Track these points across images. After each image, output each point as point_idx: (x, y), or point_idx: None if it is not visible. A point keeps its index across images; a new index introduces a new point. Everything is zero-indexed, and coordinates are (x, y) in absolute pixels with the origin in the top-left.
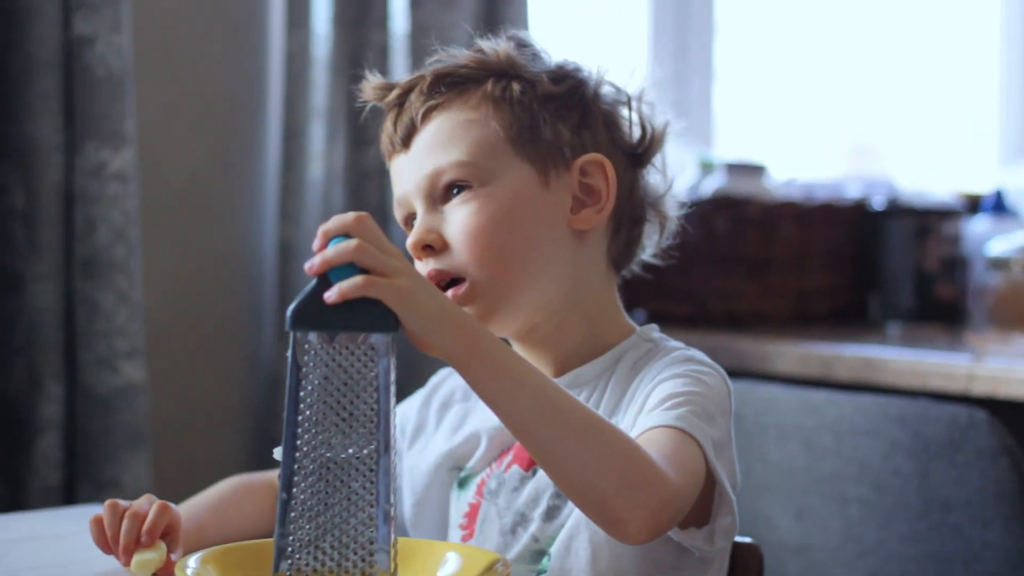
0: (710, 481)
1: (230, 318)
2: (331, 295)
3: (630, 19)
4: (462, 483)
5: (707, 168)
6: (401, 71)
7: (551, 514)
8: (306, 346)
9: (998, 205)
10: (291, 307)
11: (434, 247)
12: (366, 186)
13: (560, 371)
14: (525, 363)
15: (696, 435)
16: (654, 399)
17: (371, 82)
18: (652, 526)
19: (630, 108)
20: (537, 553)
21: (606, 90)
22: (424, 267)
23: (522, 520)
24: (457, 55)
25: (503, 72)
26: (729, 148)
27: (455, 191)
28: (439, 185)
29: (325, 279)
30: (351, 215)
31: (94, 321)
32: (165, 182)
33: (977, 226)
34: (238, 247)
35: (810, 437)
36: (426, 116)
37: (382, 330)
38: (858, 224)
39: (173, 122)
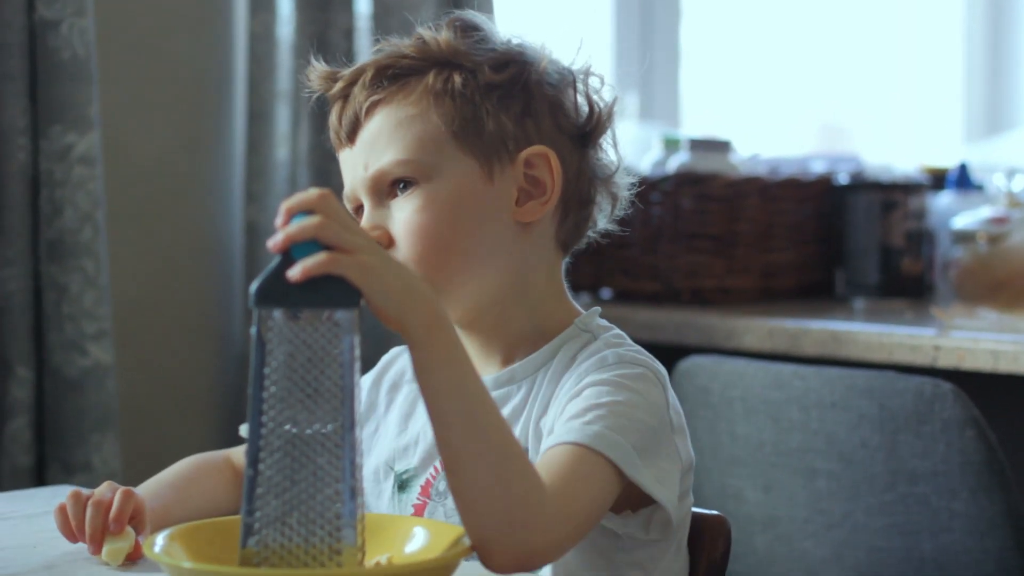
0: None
1: (198, 300)
2: (294, 272)
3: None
4: (403, 486)
5: (671, 145)
6: (366, 52)
7: None
8: (270, 323)
9: (962, 179)
10: (255, 284)
11: (381, 243)
12: (331, 168)
13: (504, 361)
14: (471, 366)
15: (609, 453)
16: (577, 405)
17: (316, 70)
18: (514, 568)
19: (575, 89)
20: None
21: (550, 72)
22: None
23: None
24: (399, 44)
25: (445, 62)
26: (695, 127)
27: (400, 186)
28: (384, 182)
29: (288, 256)
30: (314, 192)
31: (62, 304)
32: (131, 165)
33: (942, 200)
34: (205, 229)
35: (777, 411)
36: (369, 111)
37: (345, 306)
38: (823, 199)
39: (138, 105)
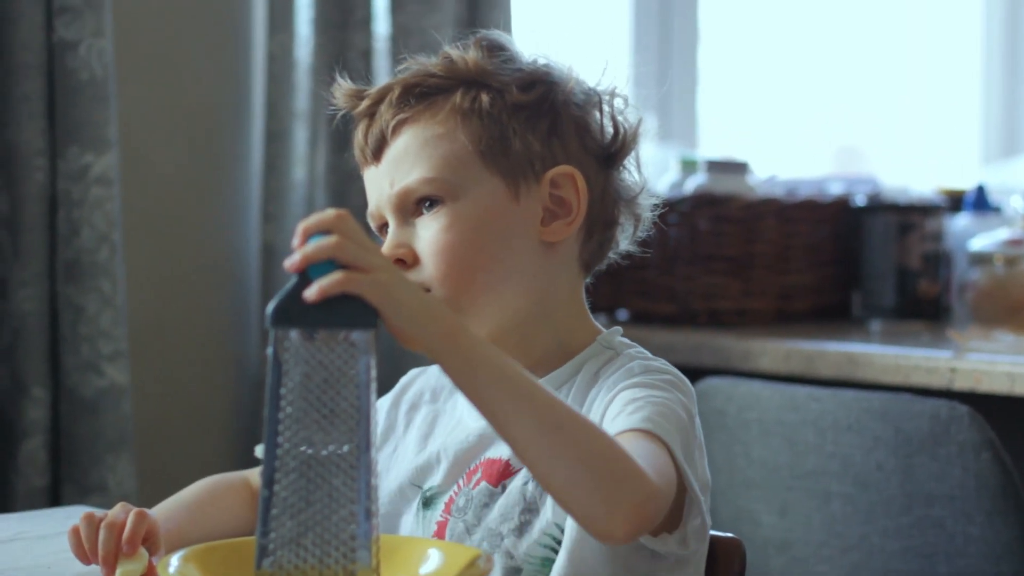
0: (680, 484)
1: (214, 320)
2: (311, 292)
3: (613, 20)
4: (427, 503)
5: (689, 167)
6: (384, 73)
7: (523, 529)
8: (286, 343)
9: (979, 201)
10: (271, 304)
11: (405, 261)
12: (349, 188)
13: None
14: (504, 358)
15: (664, 437)
16: (616, 407)
17: (342, 88)
18: (635, 522)
19: (600, 110)
20: (513, 570)
21: (576, 92)
22: None
23: (493, 536)
24: (426, 63)
25: (472, 81)
26: (713, 149)
27: (426, 204)
28: (410, 200)
29: (305, 276)
30: (330, 212)
31: (78, 325)
32: (148, 185)
33: (959, 222)
34: (222, 250)
35: (793, 433)
36: (396, 129)
37: (362, 326)
38: (840, 221)
39: (156, 126)
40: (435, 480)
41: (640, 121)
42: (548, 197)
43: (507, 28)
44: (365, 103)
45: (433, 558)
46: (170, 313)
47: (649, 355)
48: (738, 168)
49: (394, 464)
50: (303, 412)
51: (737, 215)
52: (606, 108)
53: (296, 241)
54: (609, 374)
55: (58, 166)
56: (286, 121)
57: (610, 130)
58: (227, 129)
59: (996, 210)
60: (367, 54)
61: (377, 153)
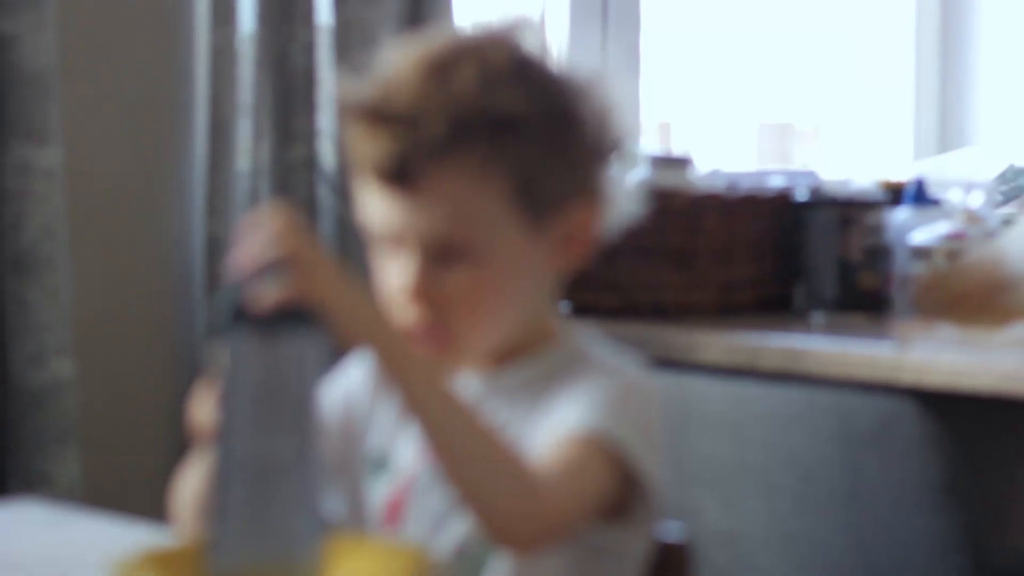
0: (626, 478)
1: (159, 313)
2: (255, 299)
3: (552, 12)
4: (379, 468)
5: (631, 161)
6: (326, 67)
7: None
8: (233, 345)
9: (919, 195)
10: (217, 305)
11: (433, 305)
12: (293, 181)
13: (494, 364)
14: (443, 376)
15: (613, 436)
16: (575, 399)
17: (357, 94)
18: (532, 545)
19: (607, 127)
20: (460, 551)
21: (591, 116)
22: (410, 314)
23: (445, 516)
24: (456, 98)
25: (508, 125)
26: (652, 141)
27: (452, 251)
28: (439, 242)
29: (251, 276)
30: (274, 211)
31: (23, 318)
32: (92, 179)
33: (899, 216)
34: (166, 243)
35: (737, 427)
36: (432, 170)
37: (307, 329)
38: (781, 215)
39: (99, 119)
40: (392, 449)
41: (626, 118)
42: (563, 230)
43: (449, 22)
44: (389, 132)
45: (380, 556)
46: (115, 306)
47: (616, 353)
48: (681, 163)
49: (371, 431)
50: (250, 415)
51: (680, 209)
52: (609, 118)
53: (241, 241)
54: (576, 368)
55: (1, 160)
56: (229, 114)
57: (612, 140)
58: (171, 122)
59: (936, 203)
60: (310, 48)
61: (399, 181)
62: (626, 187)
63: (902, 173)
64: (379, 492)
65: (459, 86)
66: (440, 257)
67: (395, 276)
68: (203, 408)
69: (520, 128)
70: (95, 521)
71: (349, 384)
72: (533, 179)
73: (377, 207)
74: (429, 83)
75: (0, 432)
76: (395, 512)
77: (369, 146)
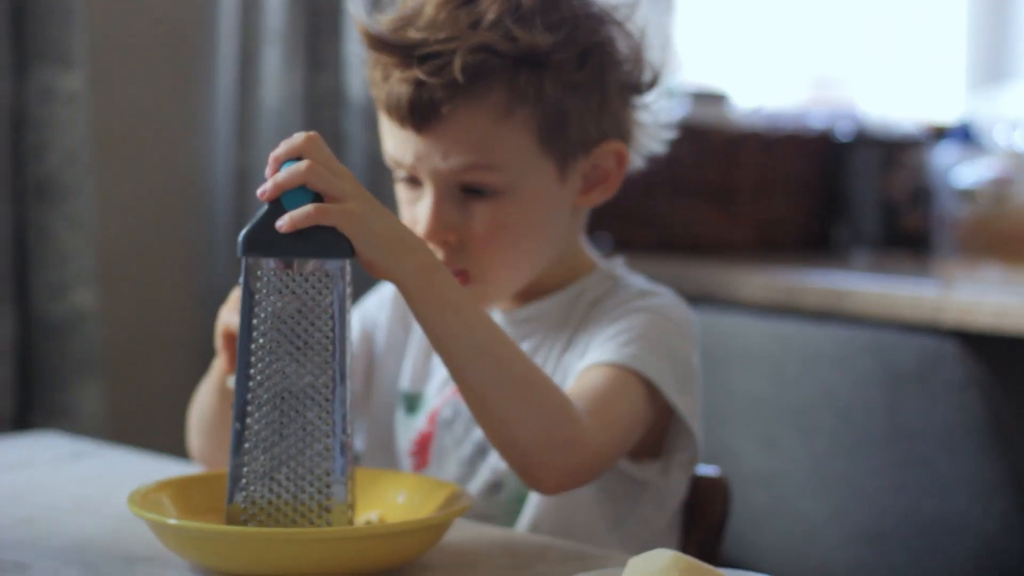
0: (666, 414)
1: (185, 244)
2: (282, 224)
3: None
4: (411, 407)
5: (669, 96)
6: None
7: None
8: (259, 273)
9: (964, 135)
10: (243, 233)
11: (448, 244)
12: (322, 111)
13: (523, 301)
14: (474, 305)
15: (646, 371)
16: (607, 333)
17: (377, 32)
18: (565, 485)
19: (640, 62)
20: (495, 485)
21: (622, 51)
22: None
23: (480, 452)
24: (482, 33)
25: (533, 61)
26: (690, 76)
27: (475, 187)
28: (459, 180)
29: (278, 204)
30: (300, 136)
31: (45, 247)
32: (117, 105)
33: (943, 156)
34: (193, 172)
35: (777, 367)
36: (452, 104)
37: (336, 256)
38: (823, 155)
39: (125, 43)
40: (424, 385)
41: (668, 51)
42: (590, 168)
43: None
44: (413, 70)
45: (410, 493)
46: (140, 236)
47: (650, 285)
48: (718, 99)
49: (401, 370)
50: (276, 343)
51: (718, 147)
52: (644, 53)
53: (268, 169)
54: (607, 302)
55: (25, 85)
56: (259, 42)
57: (647, 76)
58: (199, 50)
59: (980, 144)
60: None
61: (423, 122)
62: (658, 114)
63: (951, 109)
64: (410, 431)
65: (483, 19)
66: (461, 195)
67: (415, 212)
68: (230, 319)
69: (546, 63)
70: (118, 453)
71: (376, 315)
72: (562, 115)
73: (399, 144)
74: (450, 15)
75: (22, 364)
76: (423, 450)
77: (390, 81)
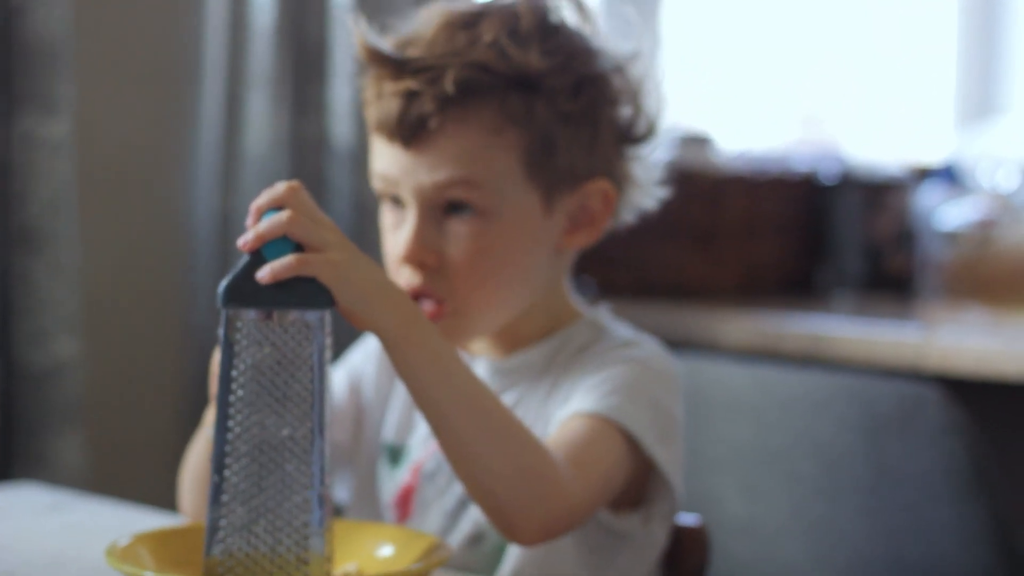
0: (647, 465)
1: (168, 292)
2: (263, 274)
3: None
4: (395, 458)
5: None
6: (344, 38)
7: None
8: (238, 324)
9: (948, 176)
10: (223, 284)
11: (427, 266)
12: (307, 157)
13: (507, 351)
14: (454, 357)
15: (626, 423)
16: (590, 382)
17: (373, 48)
18: (543, 537)
19: (636, 105)
20: (477, 537)
21: (617, 89)
22: (406, 275)
23: (462, 504)
24: (478, 51)
25: (527, 82)
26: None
27: (457, 207)
28: (442, 197)
29: (259, 255)
30: (282, 186)
31: (28, 295)
32: (102, 152)
33: (927, 198)
34: (177, 219)
35: (758, 412)
36: (441, 122)
37: (316, 306)
38: (807, 197)
39: (110, 90)
40: (408, 437)
41: (663, 101)
42: (577, 207)
43: None
44: (405, 83)
45: (388, 546)
46: (123, 284)
47: (635, 335)
48: (703, 143)
49: (386, 417)
50: (255, 395)
51: (703, 191)
52: (641, 100)
53: (249, 219)
54: (591, 351)
55: (10, 132)
56: (244, 86)
57: (641, 126)
58: (184, 95)
59: (964, 186)
60: (325, 17)
61: (412, 139)
62: (653, 170)
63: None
64: (393, 483)
65: (479, 39)
66: (443, 218)
67: (396, 238)
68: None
69: (538, 87)
70: (98, 505)
71: (361, 366)
72: (551, 144)
73: (386, 161)
74: (449, 36)
75: (4, 413)
76: (406, 501)
77: (382, 97)
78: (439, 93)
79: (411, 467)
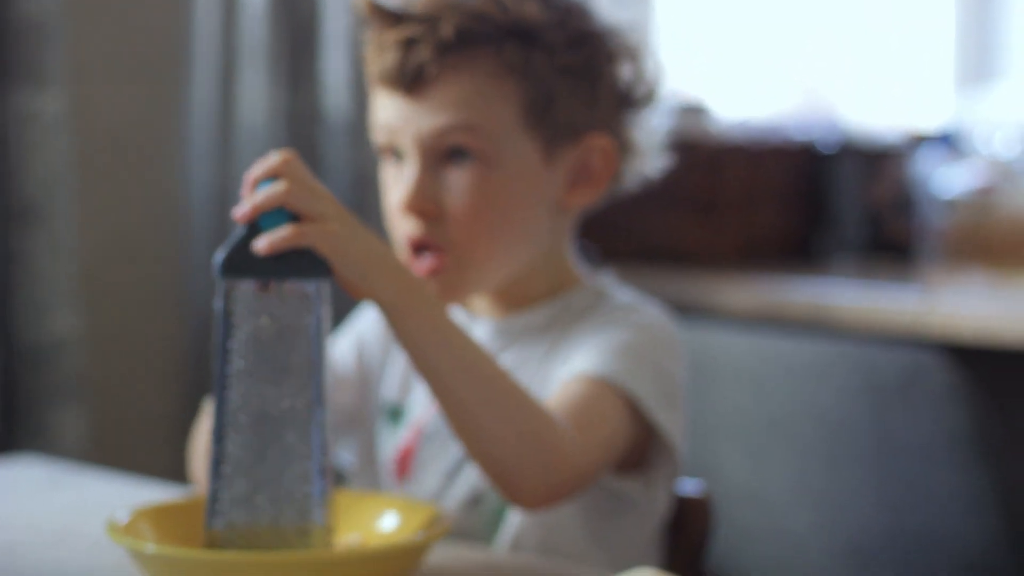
0: (649, 430)
1: (166, 265)
2: (261, 245)
3: None
4: (395, 418)
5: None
6: (337, 11)
7: None
8: (236, 295)
9: (947, 142)
10: (219, 254)
11: (427, 215)
12: (301, 129)
13: (509, 312)
14: (454, 324)
15: (629, 387)
16: (592, 344)
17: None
18: (547, 502)
19: (635, 63)
20: (475, 499)
21: (615, 47)
22: (407, 226)
23: (461, 464)
24: (476, 2)
25: (523, 34)
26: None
27: (459, 155)
28: (443, 145)
29: (255, 225)
30: (276, 156)
31: (26, 271)
32: (97, 127)
33: (926, 164)
34: (173, 191)
35: (761, 380)
36: (440, 69)
37: (314, 277)
38: (806, 165)
39: (104, 65)
40: (408, 397)
41: (660, 67)
42: (576, 163)
43: None
44: (406, 30)
45: (391, 515)
46: (120, 259)
47: (639, 300)
48: (701, 112)
49: (384, 377)
50: (254, 366)
51: (702, 161)
52: (641, 63)
53: (244, 190)
54: (594, 314)
55: (5, 108)
56: (238, 60)
57: (641, 89)
58: (177, 68)
59: (963, 152)
60: None
61: (413, 87)
62: (654, 136)
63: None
64: (392, 443)
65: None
66: (444, 167)
67: (397, 191)
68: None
69: (536, 38)
70: (100, 479)
71: (364, 330)
72: (549, 96)
73: (387, 112)
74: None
75: (4, 389)
76: (405, 462)
77: (383, 48)
78: (438, 40)
79: (411, 426)
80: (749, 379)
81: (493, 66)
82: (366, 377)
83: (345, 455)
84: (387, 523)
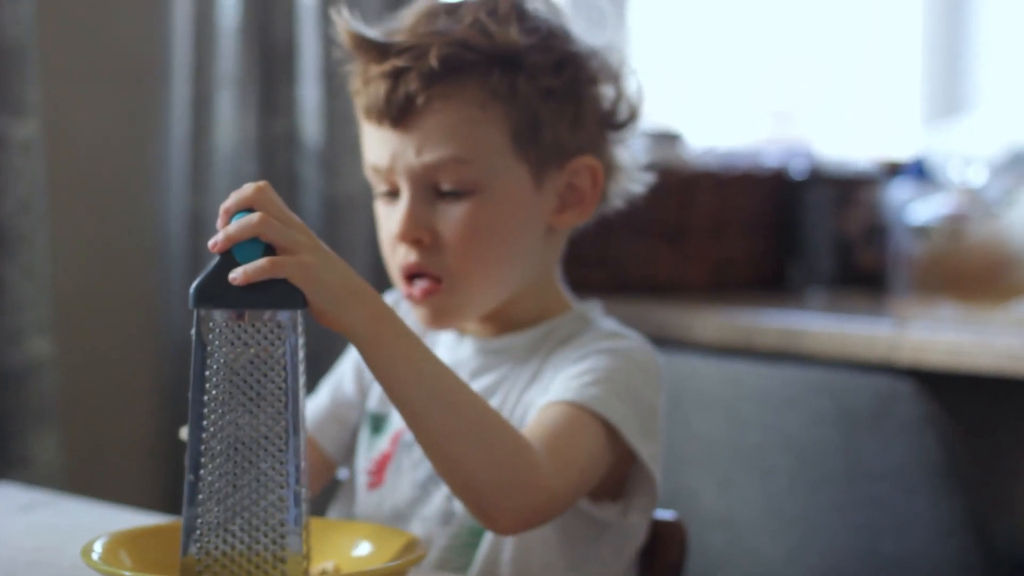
0: (627, 457)
1: (140, 291)
2: (236, 277)
3: None
4: (377, 427)
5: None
6: (311, 38)
7: None
8: (211, 324)
9: (918, 171)
10: (195, 284)
11: (423, 244)
12: (276, 156)
13: (495, 334)
14: (427, 353)
15: (607, 414)
16: (572, 372)
17: (355, 34)
18: (521, 526)
19: (616, 86)
20: (449, 514)
21: (596, 70)
22: (402, 255)
23: (434, 477)
24: (459, 30)
25: (510, 59)
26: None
27: (452, 187)
28: (434, 178)
29: (229, 255)
30: (251, 187)
31: (1, 295)
32: (71, 152)
33: (898, 193)
34: (147, 218)
35: (733, 408)
36: (428, 99)
37: (289, 307)
38: (777, 193)
39: (79, 91)
40: (390, 406)
41: (641, 90)
42: (564, 185)
43: None
44: (391, 62)
45: (365, 544)
46: (95, 283)
47: (621, 329)
48: (673, 139)
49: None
50: (229, 394)
51: (673, 187)
52: (623, 86)
53: (219, 221)
54: (575, 341)
55: None
56: (212, 86)
57: (623, 110)
58: (152, 95)
59: (934, 181)
60: (293, 17)
61: (401, 118)
62: (637, 155)
63: (908, 144)
64: (370, 453)
65: (460, 21)
66: (436, 198)
67: (391, 222)
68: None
69: (520, 63)
70: (74, 505)
71: None
72: (536, 119)
73: (377, 147)
74: (431, 20)
75: None
76: (380, 470)
77: (369, 83)
78: (424, 70)
79: (391, 436)
80: (721, 407)
81: (479, 93)
82: (365, 393)
83: (341, 471)
84: (362, 550)
